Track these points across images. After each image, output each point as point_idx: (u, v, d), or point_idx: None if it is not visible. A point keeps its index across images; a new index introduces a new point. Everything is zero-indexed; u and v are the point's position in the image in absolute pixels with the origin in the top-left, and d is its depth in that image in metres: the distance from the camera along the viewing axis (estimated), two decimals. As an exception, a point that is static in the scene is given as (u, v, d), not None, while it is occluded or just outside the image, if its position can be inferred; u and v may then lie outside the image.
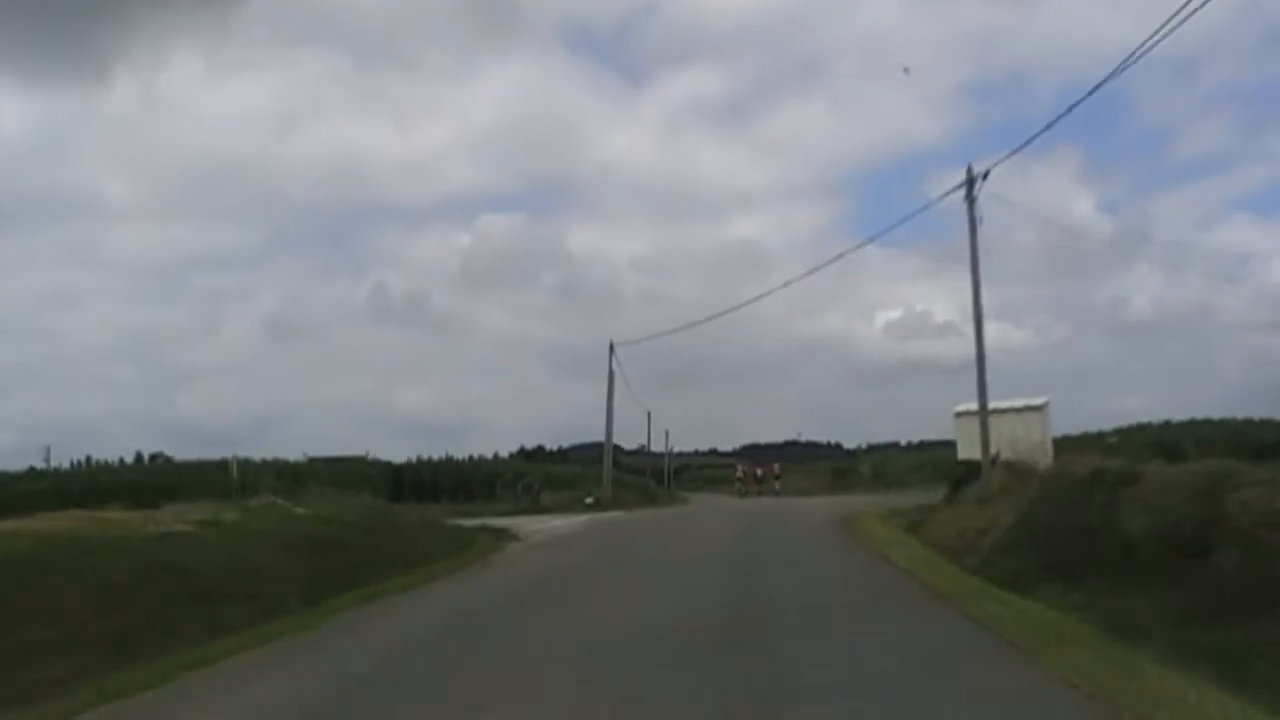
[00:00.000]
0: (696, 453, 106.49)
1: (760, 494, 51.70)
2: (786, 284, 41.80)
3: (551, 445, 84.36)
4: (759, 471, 55.27)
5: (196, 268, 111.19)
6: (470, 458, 63.43)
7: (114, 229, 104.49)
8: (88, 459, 54.38)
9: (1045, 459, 20.83)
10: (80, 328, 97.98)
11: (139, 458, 55.78)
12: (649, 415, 66.04)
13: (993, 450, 20.46)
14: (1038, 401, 24.37)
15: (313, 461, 50.08)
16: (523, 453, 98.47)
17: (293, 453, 53.35)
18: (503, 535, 22.49)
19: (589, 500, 32.06)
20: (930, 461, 39.04)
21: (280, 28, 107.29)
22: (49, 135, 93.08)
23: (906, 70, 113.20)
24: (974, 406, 21.29)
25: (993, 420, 20.95)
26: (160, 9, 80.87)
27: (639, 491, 45.55)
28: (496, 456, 73.84)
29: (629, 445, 79.28)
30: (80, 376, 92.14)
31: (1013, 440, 21.75)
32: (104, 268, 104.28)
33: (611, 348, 41.99)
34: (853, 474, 57.80)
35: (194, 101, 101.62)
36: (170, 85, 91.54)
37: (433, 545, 19.16)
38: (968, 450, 23.11)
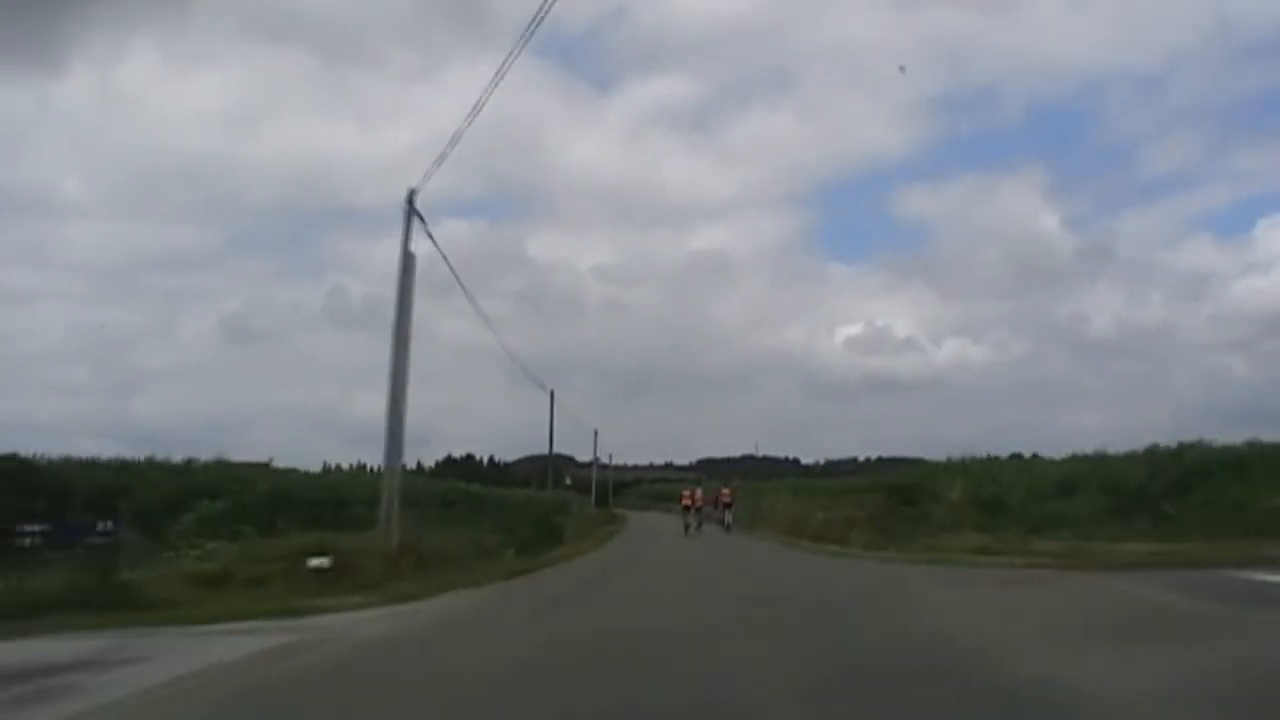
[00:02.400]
0: (651, 466, 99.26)
1: (725, 526, 38.31)
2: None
3: (505, 457, 76.92)
4: (701, 496, 41.42)
5: (153, 268, 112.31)
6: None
7: (67, 227, 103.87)
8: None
9: None
10: (32, 328, 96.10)
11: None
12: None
13: None
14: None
15: None
16: (450, 463, 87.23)
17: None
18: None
19: (314, 564, 15.87)
20: (1074, 477, 22.79)
21: (242, 21, 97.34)
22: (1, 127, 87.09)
23: (902, 69, 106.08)
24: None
25: None
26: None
27: (518, 527, 31.14)
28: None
29: (582, 457, 70.34)
30: (31, 378, 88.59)
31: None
32: (57, 267, 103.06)
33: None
34: (926, 498, 25.56)
35: (152, 96, 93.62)
36: (127, 78, 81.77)
37: None
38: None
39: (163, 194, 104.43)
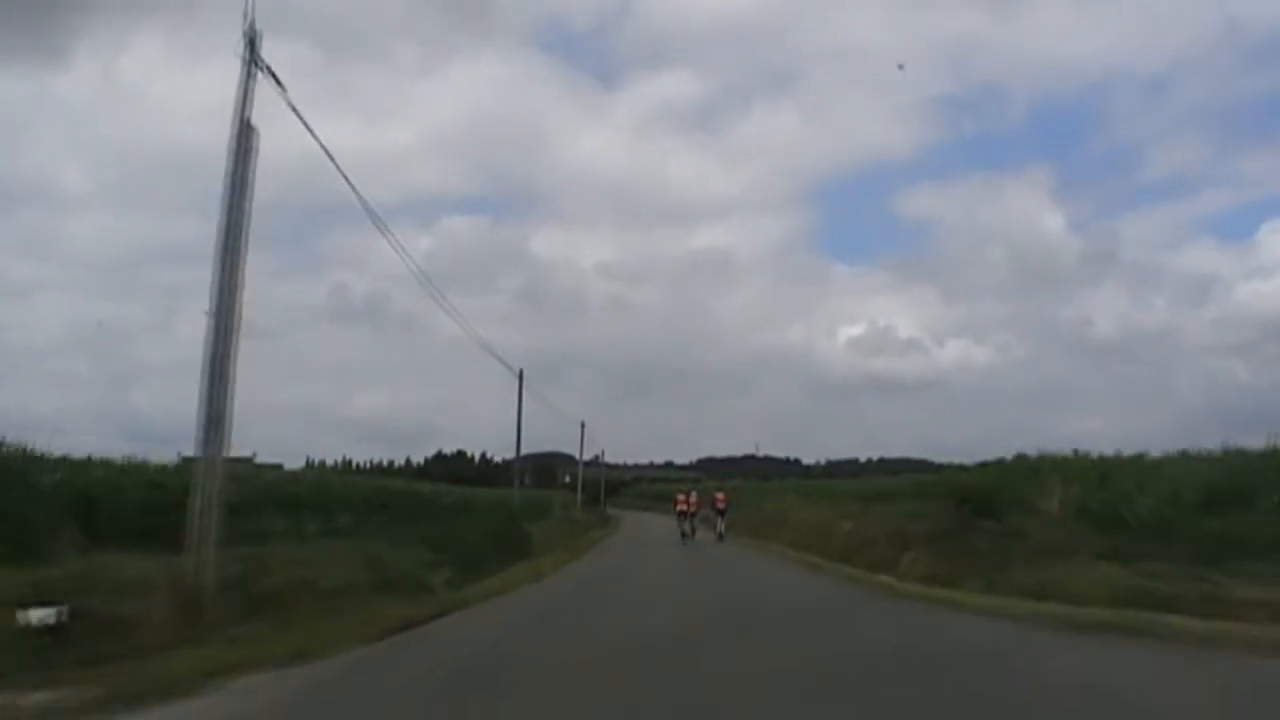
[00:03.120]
0: (651, 465, 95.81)
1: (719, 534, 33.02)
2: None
3: (504, 455, 73.49)
4: (697, 499, 35.16)
5: (153, 261, 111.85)
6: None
7: (68, 219, 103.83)
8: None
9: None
10: (31, 320, 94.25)
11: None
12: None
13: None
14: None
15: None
16: (440, 460, 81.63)
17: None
18: None
19: (33, 617, 9.65)
20: (1239, 482, 14.46)
21: (244, 15, 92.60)
22: (1, 118, 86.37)
23: (901, 66, 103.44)
24: None
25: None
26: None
27: (470, 536, 24.56)
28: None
29: (584, 456, 66.82)
30: (29, 370, 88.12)
31: None
32: (57, 259, 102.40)
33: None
34: (1012, 507, 16.66)
35: (154, 88, 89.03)
36: (131, 69, 76.92)
37: None
38: None
39: (164, 187, 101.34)
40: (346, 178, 14.66)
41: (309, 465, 67.14)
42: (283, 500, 20.10)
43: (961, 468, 25.16)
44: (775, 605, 14.00)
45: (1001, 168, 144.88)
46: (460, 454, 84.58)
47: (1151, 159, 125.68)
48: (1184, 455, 19.02)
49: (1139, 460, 18.49)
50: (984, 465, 22.27)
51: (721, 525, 33.33)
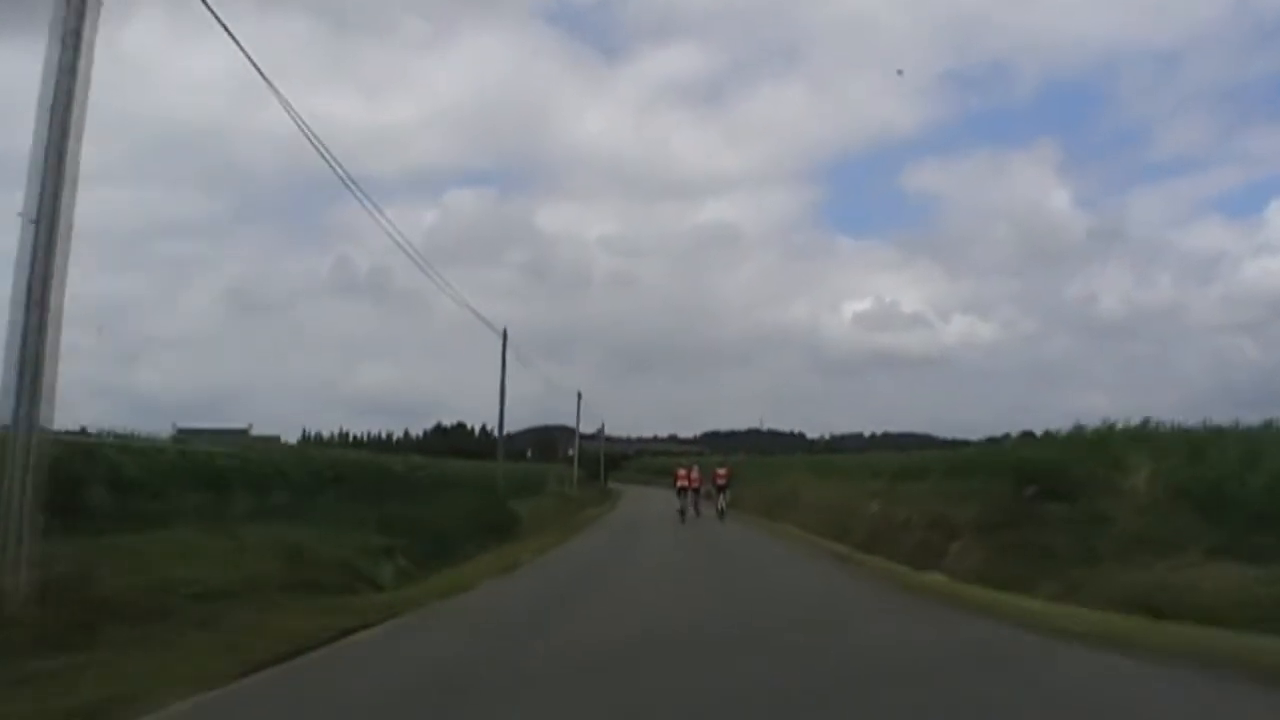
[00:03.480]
0: (655, 439, 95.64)
1: (719, 511, 30.28)
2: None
3: (509, 428, 69.73)
4: (698, 475, 32.11)
5: (157, 235, 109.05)
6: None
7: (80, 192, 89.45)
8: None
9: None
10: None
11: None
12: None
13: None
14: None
15: None
16: (439, 432, 79.07)
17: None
18: None
19: None
20: None
21: None
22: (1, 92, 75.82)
23: (900, 72, 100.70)
24: None
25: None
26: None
27: (443, 518, 21.56)
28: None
29: (587, 429, 67.01)
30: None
31: None
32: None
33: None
34: (1089, 488, 12.92)
35: (157, 61, 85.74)
36: (133, 41, 73.71)
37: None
38: None
39: (168, 161, 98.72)
40: (320, 147, 11.37)
41: (304, 439, 64.40)
42: (209, 476, 16.99)
43: (965, 443, 22.10)
44: (801, 618, 10.82)
45: (1008, 143, 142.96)
46: (460, 426, 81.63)
47: (1160, 136, 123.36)
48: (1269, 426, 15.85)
49: (1223, 432, 15.30)
50: (1033, 438, 19.02)
51: (723, 502, 30.52)
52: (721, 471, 31.86)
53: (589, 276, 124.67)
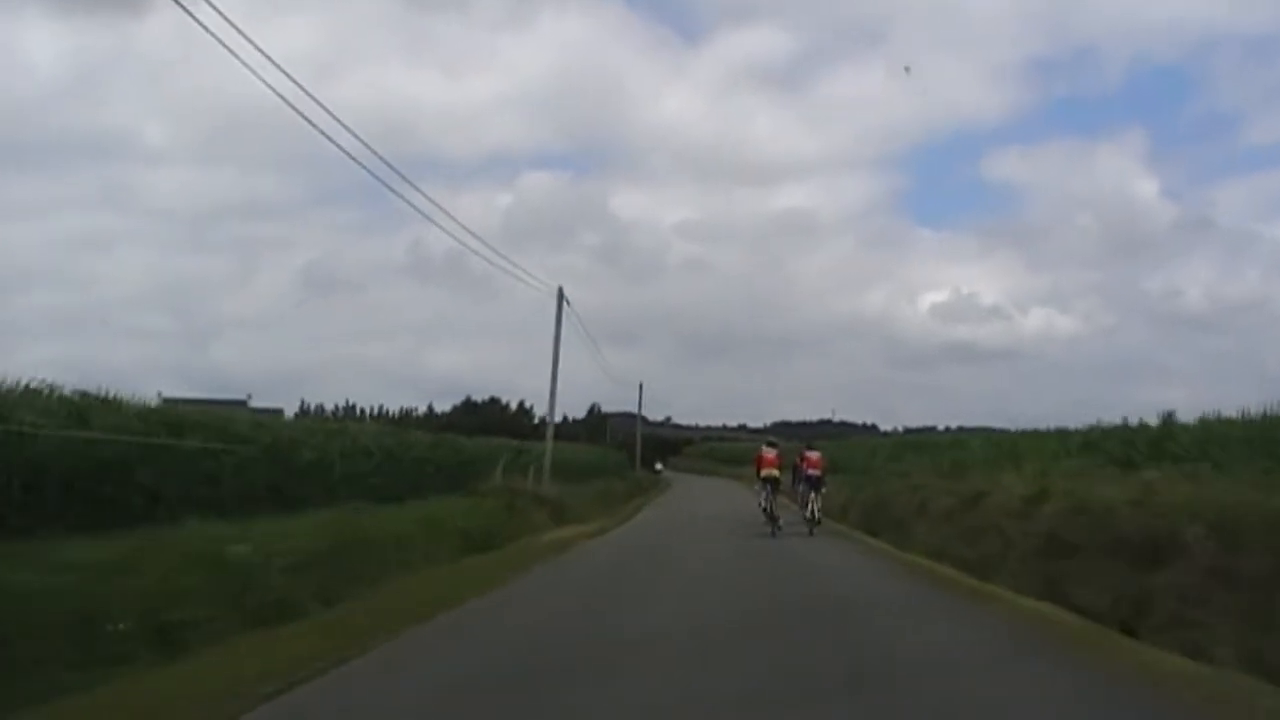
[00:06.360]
0: (725, 428, 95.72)
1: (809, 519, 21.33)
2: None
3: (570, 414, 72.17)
4: (791, 462, 23.25)
5: (233, 216, 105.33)
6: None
7: (148, 172, 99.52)
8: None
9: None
10: (112, 273, 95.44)
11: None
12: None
13: None
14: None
15: None
16: (469, 407, 72.83)
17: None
18: None
19: None
20: None
21: None
22: (82, 71, 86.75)
23: (907, 69, 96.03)
24: None
25: None
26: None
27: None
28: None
29: (652, 416, 66.01)
30: (111, 322, 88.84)
31: None
32: (138, 212, 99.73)
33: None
34: None
35: (235, 39, 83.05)
36: (210, 20, 70.75)
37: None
38: None
39: (244, 141, 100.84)
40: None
41: (303, 411, 57.36)
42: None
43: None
44: None
45: (1094, 132, 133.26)
46: (494, 400, 73.44)
47: (1252, 124, 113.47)
48: None
49: None
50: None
51: (816, 505, 21.37)
52: (813, 456, 22.08)
53: (662, 262, 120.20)
